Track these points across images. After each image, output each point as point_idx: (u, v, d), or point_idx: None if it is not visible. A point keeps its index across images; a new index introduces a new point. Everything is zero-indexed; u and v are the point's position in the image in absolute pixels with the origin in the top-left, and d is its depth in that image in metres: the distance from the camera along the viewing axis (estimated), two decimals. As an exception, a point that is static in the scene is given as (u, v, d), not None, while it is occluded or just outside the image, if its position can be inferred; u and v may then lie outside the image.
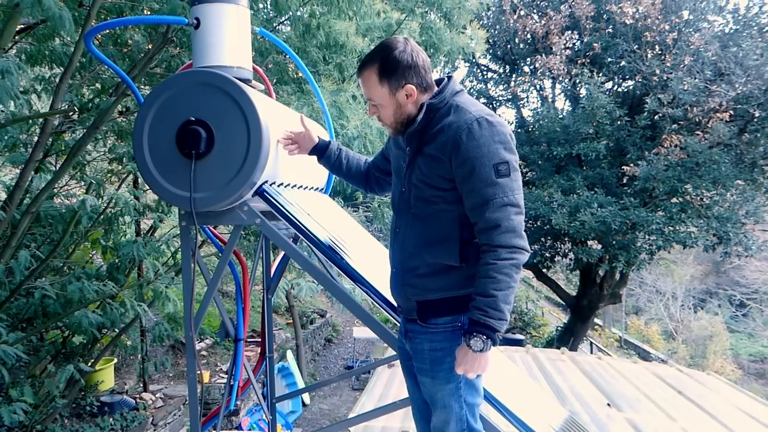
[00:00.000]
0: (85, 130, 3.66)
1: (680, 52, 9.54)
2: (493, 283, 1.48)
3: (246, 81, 1.81)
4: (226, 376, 6.33)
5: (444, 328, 1.62)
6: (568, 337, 12.87)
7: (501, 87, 13.31)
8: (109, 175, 4.77)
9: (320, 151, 1.96)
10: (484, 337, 1.49)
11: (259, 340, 2.56)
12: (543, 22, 10.80)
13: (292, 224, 1.81)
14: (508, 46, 12.56)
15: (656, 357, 17.79)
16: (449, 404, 1.64)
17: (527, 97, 13.23)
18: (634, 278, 21.14)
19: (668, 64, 9.55)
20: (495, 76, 13.67)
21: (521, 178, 1.58)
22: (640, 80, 10.31)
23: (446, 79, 1.65)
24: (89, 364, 4.75)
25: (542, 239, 12.36)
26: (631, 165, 9.93)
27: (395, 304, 1.82)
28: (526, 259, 1.52)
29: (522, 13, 11.51)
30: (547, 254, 12.51)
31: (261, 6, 4.36)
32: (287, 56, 4.12)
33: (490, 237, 1.49)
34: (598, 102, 9.85)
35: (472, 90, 13.39)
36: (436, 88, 1.64)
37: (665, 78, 9.55)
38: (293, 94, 4.36)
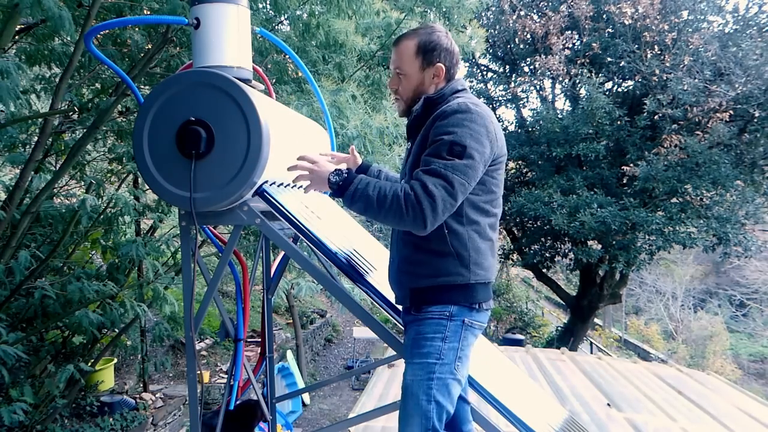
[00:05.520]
0: (85, 130, 3.66)
1: (680, 52, 9.54)
2: (381, 196, 1.52)
3: (246, 81, 1.81)
4: (226, 376, 6.33)
5: (431, 316, 1.64)
6: (568, 337, 12.87)
7: (501, 87, 13.32)
8: (109, 175, 4.77)
9: (362, 171, 1.99)
10: (340, 183, 1.60)
11: (259, 340, 2.56)
12: (542, 22, 10.81)
13: (292, 224, 1.80)
14: (508, 46, 12.57)
15: (656, 357, 17.80)
16: (416, 393, 1.61)
17: (527, 97, 13.25)
18: (634, 278, 21.14)
19: (668, 64, 9.56)
20: (495, 76, 13.67)
21: (478, 172, 1.56)
22: (639, 80, 10.32)
23: (446, 81, 1.74)
24: (89, 364, 4.75)
25: (542, 239, 12.37)
26: (631, 165, 9.94)
27: (393, 296, 1.83)
28: (417, 230, 1.53)
29: (522, 13, 11.52)
30: (547, 254, 12.52)
31: (261, 5, 4.36)
32: (287, 56, 4.12)
33: (413, 186, 1.51)
34: (598, 102, 9.86)
35: (472, 90, 13.39)
36: (453, 86, 1.72)
37: (665, 78, 9.55)
38: (293, 93, 4.36)
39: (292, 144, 2.01)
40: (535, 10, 11.90)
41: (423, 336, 1.63)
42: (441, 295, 1.63)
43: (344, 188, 1.59)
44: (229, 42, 1.78)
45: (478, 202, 1.64)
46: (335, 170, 1.64)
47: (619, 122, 10.33)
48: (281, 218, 1.81)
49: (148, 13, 3.60)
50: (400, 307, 1.82)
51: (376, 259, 2.18)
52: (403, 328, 1.84)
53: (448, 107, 1.59)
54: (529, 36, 11.46)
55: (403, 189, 1.52)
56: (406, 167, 1.75)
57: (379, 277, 1.94)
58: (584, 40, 10.74)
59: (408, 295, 1.69)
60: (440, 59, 1.69)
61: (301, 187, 2.18)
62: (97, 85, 4.39)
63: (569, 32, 10.84)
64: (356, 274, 1.86)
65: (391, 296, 1.86)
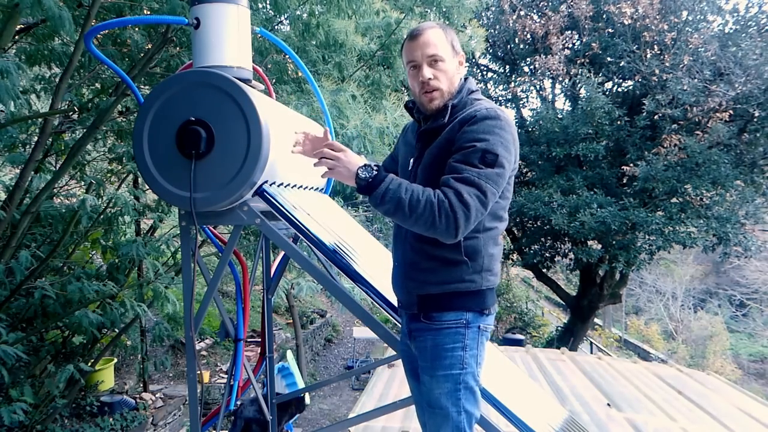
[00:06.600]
0: (85, 130, 3.66)
1: (679, 52, 9.54)
2: (413, 199, 1.45)
3: (246, 81, 1.81)
4: (226, 376, 6.33)
5: (448, 326, 1.60)
6: (568, 337, 12.87)
7: (501, 87, 13.31)
8: (109, 175, 4.77)
9: None
10: (370, 180, 1.51)
11: (259, 340, 2.57)
12: (542, 22, 10.81)
13: (292, 224, 1.80)
14: (508, 46, 12.56)
15: (656, 357, 17.81)
16: (445, 406, 1.60)
17: (527, 97, 13.24)
18: (634, 278, 21.16)
19: (667, 64, 9.55)
20: (495, 76, 13.67)
21: (506, 181, 1.56)
22: (639, 80, 10.31)
23: (463, 79, 1.69)
24: (89, 364, 4.75)
25: (542, 239, 12.37)
26: (631, 165, 9.94)
27: (396, 299, 1.80)
28: (446, 238, 1.48)
29: (522, 13, 11.52)
30: (547, 254, 12.52)
31: (261, 5, 4.36)
32: (287, 56, 4.12)
33: (447, 194, 1.46)
34: (597, 102, 9.86)
35: (471, 90, 13.37)
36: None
37: (664, 78, 9.55)
38: (293, 93, 4.36)
39: (292, 144, 2.01)
40: (535, 10, 11.90)
41: (442, 347, 1.60)
42: (453, 301, 1.59)
43: (374, 186, 1.50)
44: (229, 42, 1.78)
45: (496, 209, 1.61)
46: (365, 165, 1.55)
47: (618, 122, 10.33)
48: (281, 218, 1.81)
49: (148, 13, 3.60)
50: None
51: (376, 259, 2.18)
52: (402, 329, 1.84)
53: (477, 112, 1.54)
54: (529, 36, 11.46)
55: (437, 196, 1.46)
56: (415, 168, 1.68)
57: (380, 278, 1.94)
58: (584, 40, 10.74)
59: (415, 302, 1.64)
60: (461, 52, 1.68)
61: (301, 187, 2.19)
62: (97, 85, 4.39)
63: (569, 32, 10.84)
64: (356, 274, 1.86)
65: (391, 297, 1.85)
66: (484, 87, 13.34)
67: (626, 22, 9.76)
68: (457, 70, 1.67)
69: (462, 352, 1.59)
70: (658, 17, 9.68)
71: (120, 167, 4.66)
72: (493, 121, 1.52)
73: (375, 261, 2.12)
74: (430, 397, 1.64)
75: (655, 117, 9.88)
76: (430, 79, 1.61)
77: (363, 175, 1.53)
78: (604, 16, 10.58)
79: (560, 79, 11.24)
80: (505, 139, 1.52)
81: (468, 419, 1.61)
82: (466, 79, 1.70)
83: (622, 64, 10.33)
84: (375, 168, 1.54)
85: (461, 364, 1.59)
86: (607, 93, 11.12)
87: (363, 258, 2.03)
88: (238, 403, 2.41)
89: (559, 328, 15.09)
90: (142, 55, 3.71)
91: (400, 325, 1.86)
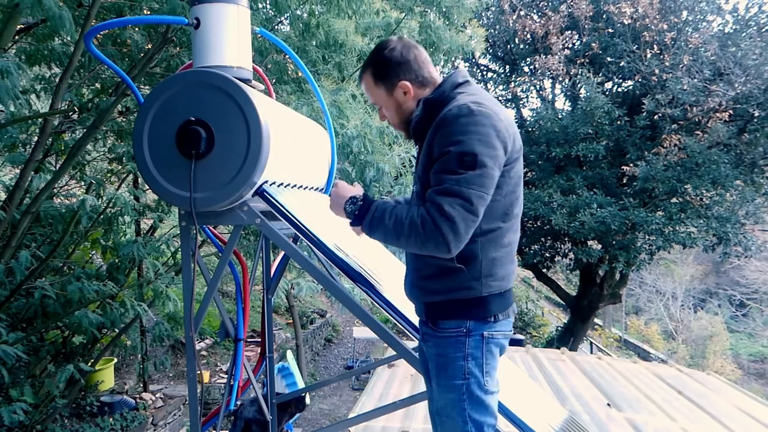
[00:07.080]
0: (85, 130, 3.66)
1: (679, 52, 9.54)
2: (398, 224, 1.45)
3: (246, 81, 1.81)
4: (226, 376, 6.33)
5: (449, 334, 1.57)
6: (568, 337, 12.88)
7: (501, 87, 13.32)
8: (109, 175, 4.77)
9: None
10: (356, 213, 1.55)
11: (259, 340, 2.56)
12: (542, 22, 10.82)
13: (292, 224, 1.80)
14: (508, 46, 12.58)
15: (656, 357, 17.82)
16: (451, 416, 1.58)
17: (527, 97, 13.27)
18: (634, 278, 21.16)
19: (667, 64, 9.56)
20: (495, 76, 13.68)
21: (494, 179, 1.45)
22: (639, 80, 10.32)
23: (451, 73, 1.65)
24: (89, 364, 4.75)
25: (542, 239, 12.38)
26: (631, 165, 9.95)
27: (399, 300, 1.81)
28: (440, 254, 1.44)
29: (522, 13, 11.53)
30: (547, 254, 12.53)
31: (261, 5, 4.36)
32: (287, 56, 4.13)
33: (429, 210, 1.42)
34: (596, 102, 9.87)
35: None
36: (438, 83, 1.62)
37: (664, 78, 9.55)
38: (293, 93, 4.36)
39: (292, 144, 2.01)
40: (535, 10, 11.91)
41: (445, 356, 1.58)
42: (454, 310, 1.56)
43: (360, 218, 1.53)
44: (229, 42, 1.78)
45: (495, 208, 1.51)
46: (350, 198, 1.57)
47: (618, 122, 10.34)
48: (281, 218, 1.81)
49: (148, 13, 3.60)
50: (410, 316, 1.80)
51: (377, 259, 2.17)
52: (403, 330, 1.84)
53: (449, 112, 1.45)
54: (529, 36, 11.47)
55: (420, 214, 1.42)
56: (416, 173, 1.68)
57: (380, 278, 1.94)
58: (584, 40, 10.75)
59: (423, 309, 1.64)
60: (399, 76, 1.59)
61: (301, 187, 2.19)
62: (97, 85, 4.39)
63: (569, 32, 10.85)
64: (357, 275, 1.85)
65: (391, 297, 1.86)
66: (484, 87, 13.35)
67: (626, 22, 9.77)
68: (406, 97, 1.62)
69: (463, 362, 1.55)
70: (657, 17, 9.69)
71: (120, 167, 4.66)
72: (466, 119, 1.42)
73: (375, 261, 2.13)
74: (438, 405, 1.63)
75: (655, 117, 9.88)
76: (382, 120, 1.74)
77: (349, 209, 1.57)
78: (604, 16, 10.59)
79: (560, 79, 11.25)
80: (483, 134, 1.41)
81: (477, 427, 1.57)
82: (453, 72, 1.63)
83: (622, 64, 10.34)
84: (360, 199, 1.56)
85: (463, 374, 1.55)
86: (607, 93, 11.13)
87: (363, 258, 2.03)
88: (238, 403, 2.41)
89: (559, 328, 15.10)
90: (142, 55, 3.71)
91: (400, 325, 1.87)
